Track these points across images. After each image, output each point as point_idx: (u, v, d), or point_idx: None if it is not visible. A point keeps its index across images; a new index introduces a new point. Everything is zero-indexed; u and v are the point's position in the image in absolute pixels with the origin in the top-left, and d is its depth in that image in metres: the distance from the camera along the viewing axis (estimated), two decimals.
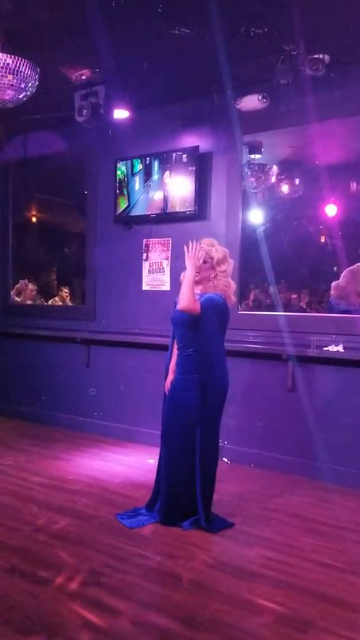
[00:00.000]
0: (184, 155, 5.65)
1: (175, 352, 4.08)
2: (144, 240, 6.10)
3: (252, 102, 5.02)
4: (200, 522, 3.82)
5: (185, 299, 3.74)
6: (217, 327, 3.86)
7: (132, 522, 3.90)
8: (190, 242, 3.85)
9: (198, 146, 5.61)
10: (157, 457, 4.13)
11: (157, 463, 4.14)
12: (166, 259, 5.95)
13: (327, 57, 4.50)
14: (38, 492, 4.50)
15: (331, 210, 7.34)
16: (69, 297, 8.29)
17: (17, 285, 7.69)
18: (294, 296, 7.22)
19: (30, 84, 4.52)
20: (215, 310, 3.82)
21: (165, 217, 5.86)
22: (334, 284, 5.91)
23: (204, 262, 3.88)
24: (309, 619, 2.82)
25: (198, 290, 3.89)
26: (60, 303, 8.12)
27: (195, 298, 3.76)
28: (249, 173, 5.85)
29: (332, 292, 5.92)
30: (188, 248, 3.82)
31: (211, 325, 3.81)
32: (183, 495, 3.87)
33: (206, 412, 3.81)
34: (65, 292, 8.34)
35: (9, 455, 5.49)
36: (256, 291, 7.12)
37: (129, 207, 6.08)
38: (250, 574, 3.26)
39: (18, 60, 4.35)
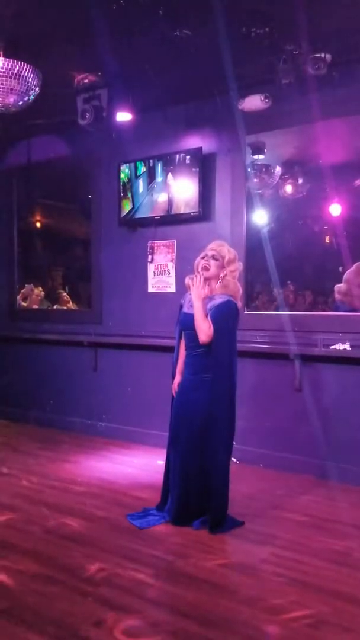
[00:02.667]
0: (188, 157, 5.67)
1: (182, 353, 4.10)
2: (149, 242, 6.11)
3: (254, 102, 5.03)
4: (206, 524, 3.83)
5: (204, 333, 3.78)
6: (229, 329, 3.88)
7: (142, 523, 3.91)
8: (193, 276, 3.95)
9: (201, 147, 5.62)
10: (165, 458, 4.15)
11: (164, 463, 4.15)
12: (171, 260, 5.96)
13: (328, 56, 4.50)
14: (48, 495, 4.51)
15: (335, 209, 7.35)
16: (70, 301, 8.29)
17: (23, 290, 7.72)
18: (294, 294, 7.20)
19: (32, 89, 4.55)
20: (229, 314, 3.85)
21: (170, 219, 5.87)
22: (336, 287, 5.91)
23: (215, 259, 3.92)
24: (322, 616, 2.81)
25: (207, 290, 3.92)
26: (64, 307, 8.13)
27: (210, 324, 3.78)
28: (253, 174, 5.86)
29: (336, 295, 5.92)
30: (192, 281, 3.90)
31: (222, 327, 3.82)
32: (193, 495, 3.87)
33: (216, 412, 3.81)
34: (65, 296, 8.34)
35: (18, 459, 5.50)
36: (262, 292, 7.12)
37: (133, 210, 6.10)
38: (261, 573, 3.26)
39: (20, 64, 4.38)
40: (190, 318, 3.90)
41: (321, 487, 4.79)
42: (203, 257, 3.96)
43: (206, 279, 3.92)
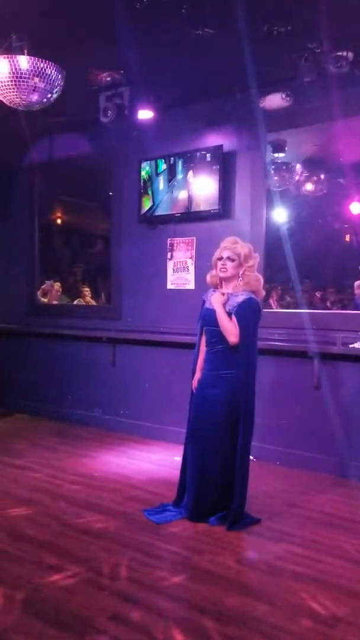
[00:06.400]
0: (208, 155, 5.67)
1: (202, 349, 4.11)
2: (169, 239, 6.13)
3: (275, 100, 5.02)
4: (222, 520, 3.84)
5: (232, 334, 3.81)
6: (252, 327, 3.89)
7: (159, 518, 3.94)
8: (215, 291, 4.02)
9: (222, 145, 5.62)
10: (182, 454, 4.17)
11: (181, 460, 4.17)
12: (191, 257, 5.98)
13: (350, 55, 4.48)
14: (66, 489, 4.56)
15: (356, 208, 7.31)
16: (90, 295, 8.34)
17: (43, 286, 7.79)
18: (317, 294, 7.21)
19: (55, 86, 4.59)
20: (251, 312, 3.87)
21: (190, 217, 5.89)
22: (356, 283, 5.92)
23: (231, 260, 3.92)
24: (337, 614, 2.82)
25: (229, 288, 3.94)
26: (83, 302, 8.19)
27: (235, 325, 3.80)
28: (273, 171, 5.86)
29: (356, 290, 5.93)
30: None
31: (246, 325, 3.83)
32: (210, 491, 3.89)
33: (243, 409, 3.81)
34: (86, 291, 8.40)
35: (37, 453, 5.56)
36: (278, 291, 7.12)
37: (153, 207, 6.12)
38: (277, 570, 3.27)
39: (44, 62, 4.42)
40: (211, 314, 3.92)
41: (340, 486, 4.78)
42: (220, 259, 3.97)
43: (226, 280, 3.96)
